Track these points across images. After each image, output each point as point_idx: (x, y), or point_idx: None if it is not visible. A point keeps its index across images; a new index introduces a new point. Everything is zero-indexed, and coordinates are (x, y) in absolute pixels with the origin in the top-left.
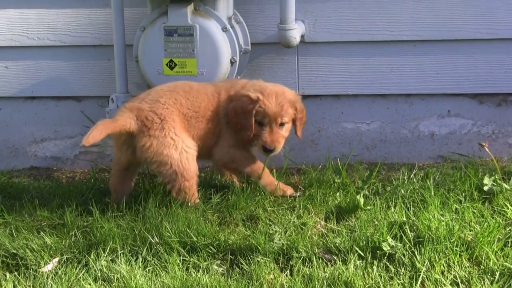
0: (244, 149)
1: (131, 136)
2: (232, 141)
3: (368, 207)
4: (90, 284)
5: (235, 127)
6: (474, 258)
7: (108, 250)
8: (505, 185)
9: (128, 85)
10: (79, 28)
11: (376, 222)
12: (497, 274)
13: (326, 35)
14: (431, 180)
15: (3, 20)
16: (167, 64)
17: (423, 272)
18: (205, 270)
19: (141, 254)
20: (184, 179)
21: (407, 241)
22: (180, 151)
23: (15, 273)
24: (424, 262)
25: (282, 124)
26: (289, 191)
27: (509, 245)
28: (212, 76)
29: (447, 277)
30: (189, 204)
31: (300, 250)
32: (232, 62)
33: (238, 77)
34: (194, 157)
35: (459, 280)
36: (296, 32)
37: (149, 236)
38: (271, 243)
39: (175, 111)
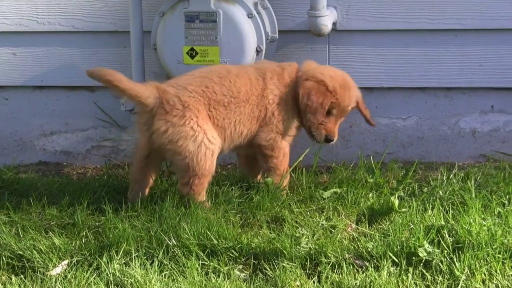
0: (287, 141)
1: (152, 117)
2: (282, 128)
3: (403, 210)
4: None
5: (304, 110)
6: None
7: (121, 252)
8: None
9: (146, 74)
10: (93, 12)
11: (412, 226)
12: None
13: (360, 23)
14: (472, 181)
15: (11, 3)
16: (187, 53)
17: (463, 281)
18: (226, 275)
19: (157, 257)
20: (195, 174)
21: (445, 247)
22: (199, 144)
23: (21, 276)
24: (464, 270)
25: (343, 117)
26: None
27: None
28: None
29: (488, 286)
30: (194, 201)
31: (329, 255)
32: (258, 51)
33: None
34: (215, 153)
35: None
36: (327, 19)
37: (165, 238)
38: (298, 247)
39: (203, 101)
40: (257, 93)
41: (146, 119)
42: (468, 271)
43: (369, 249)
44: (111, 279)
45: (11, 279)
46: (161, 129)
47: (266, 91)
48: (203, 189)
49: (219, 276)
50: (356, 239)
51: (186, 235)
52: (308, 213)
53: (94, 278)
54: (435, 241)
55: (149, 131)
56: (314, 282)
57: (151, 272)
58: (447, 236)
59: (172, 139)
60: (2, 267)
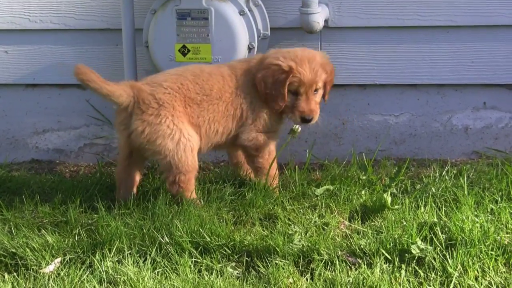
0: (271, 138)
1: (129, 116)
2: (261, 125)
3: (396, 207)
4: (94, 287)
5: (265, 99)
6: (511, 263)
7: (114, 250)
8: None
9: (138, 72)
10: (85, 10)
11: (405, 223)
12: None
13: (351, 20)
14: (465, 178)
15: (3, 1)
16: (179, 50)
17: (455, 278)
18: (218, 272)
19: (150, 254)
20: (179, 171)
21: (438, 244)
22: (177, 141)
23: (14, 274)
24: (457, 267)
25: (316, 91)
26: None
27: None
28: None
29: (481, 283)
30: (185, 199)
31: (322, 252)
32: (249, 48)
33: None
34: (194, 149)
35: (494, 287)
36: (319, 16)
37: (158, 236)
38: (291, 244)
39: (179, 97)
40: (230, 90)
41: (123, 118)
42: (461, 268)
43: (362, 246)
44: (104, 276)
45: (4, 276)
46: (138, 130)
47: (239, 89)
48: (191, 185)
49: (212, 274)
50: (349, 236)
51: (179, 233)
52: (301, 210)
53: (87, 276)
54: (428, 238)
55: (127, 130)
56: (307, 279)
57: (144, 270)
58: (439, 233)
59: (149, 138)
60: None
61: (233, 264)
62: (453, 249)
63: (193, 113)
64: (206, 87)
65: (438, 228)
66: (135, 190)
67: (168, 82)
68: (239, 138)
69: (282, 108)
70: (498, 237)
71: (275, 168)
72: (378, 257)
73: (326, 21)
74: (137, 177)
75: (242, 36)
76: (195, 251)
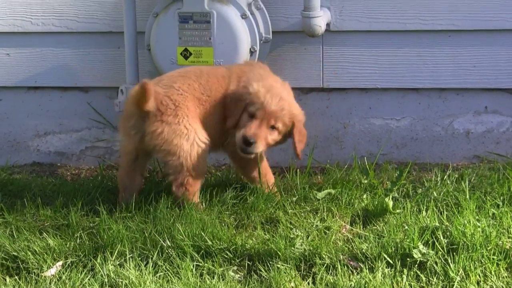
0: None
1: (141, 119)
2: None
3: (398, 211)
4: None
5: (226, 113)
6: None
7: (116, 253)
8: None
9: (139, 75)
10: (87, 13)
11: (406, 227)
12: None
13: (353, 24)
14: (466, 182)
15: (5, 4)
16: (181, 53)
17: (457, 282)
18: (220, 276)
19: (152, 258)
20: (189, 173)
21: (439, 248)
22: (192, 143)
23: (16, 277)
24: (458, 271)
25: (273, 128)
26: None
27: None
28: None
29: None
30: (188, 202)
31: (324, 256)
32: (251, 52)
33: None
34: (206, 153)
35: None
36: (321, 20)
37: (160, 239)
38: (292, 248)
39: (189, 97)
40: (223, 91)
41: (134, 122)
42: (462, 272)
43: (363, 250)
44: (106, 280)
45: (5, 280)
46: (157, 131)
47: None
48: (197, 189)
49: (213, 277)
50: (351, 240)
51: (181, 236)
52: (303, 214)
53: (89, 279)
54: (429, 242)
55: (138, 134)
56: (308, 283)
57: (145, 273)
58: (441, 237)
59: (167, 138)
60: None
61: (235, 268)
62: (455, 253)
63: (200, 113)
64: (207, 87)
65: (439, 232)
66: (137, 193)
67: (178, 83)
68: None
69: (233, 126)
70: (500, 242)
71: (269, 172)
72: (380, 261)
73: (328, 24)
74: (140, 181)
75: (244, 40)
76: (196, 255)
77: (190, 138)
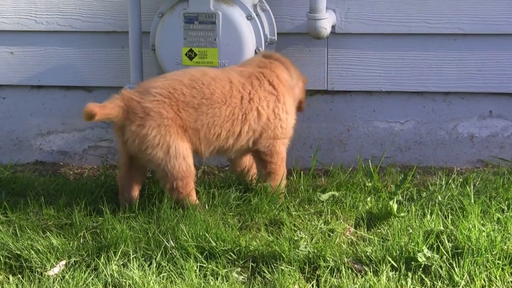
0: (285, 144)
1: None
2: (279, 133)
3: (402, 214)
4: None
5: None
6: None
7: (119, 253)
8: None
9: (143, 75)
10: (92, 12)
11: (411, 231)
12: None
13: (359, 26)
14: (471, 186)
15: (10, 2)
16: (186, 54)
17: (462, 286)
18: (224, 278)
19: (155, 258)
20: (175, 178)
21: (444, 252)
22: (166, 150)
23: (19, 276)
24: (463, 276)
25: None
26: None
27: None
28: None
29: None
30: (187, 203)
31: (328, 259)
32: (256, 53)
33: None
34: (186, 155)
35: None
36: (326, 22)
37: (164, 240)
38: (296, 250)
39: (168, 102)
40: (240, 96)
41: (119, 126)
42: (467, 276)
43: (368, 254)
44: (109, 280)
45: (8, 279)
46: (130, 140)
47: (255, 95)
48: (190, 188)
49: (217, 279)
50: (355, 243)
51: (184, 237)
52: (307, 216)
53: (92, 279)
54: (434, 246)
55: (122, 138)
56: (312, 286)
57: (149, 274)
58: (446, 241)
59: (140, 148)
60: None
61: (239, 269)
62: (459, 257)
63: (189, 117)
64: (206, 91)
65: (444, 236)
66: (138, 194)
67: (158, 89)
68: (256, 143)
69: None
70: (505, 246)
71: (285, 173)
72: (384, 265)
73: (333, 27)
74: (140, 181)
75: (249, 41)
76: (200, 256)
77: (163, 147)
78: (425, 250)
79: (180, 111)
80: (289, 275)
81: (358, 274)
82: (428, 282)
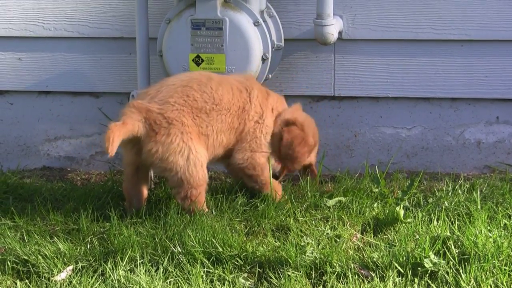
0: (264, 156)
1: (138, 136)
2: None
3: (409, 220)
4: None
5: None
6: None
7: (126, 258)
8: None
9: (151, 81)
10: (99, 18)
11: (417, 237)
12: None
13: (365, 32)
14: (478, 192)
15: (17, 8)
16: (193, 60)
17: None
18: (231, 283)
19: (162, 264)
20: (190, 186)
21: (451, 258)
22: (187, 158)
23: (26, 281)
24: (470, 282)
25: None
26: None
27: None
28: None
29: None
30: (197, 211)
31: (334, 264)
32: (263, 59)
33: (270, 75)
34: (203, 163)
35: None
36: (333, 28)
37: (170, 245)
38: (303, 256)
39: (186, 110)
40: (239, 105)
41: (132, 138)
42: (474, 282)
43: (374, 259)
44: (116, 285)
45: (16, 284)
46: (152, 151)
47: (249, 105)
48: (202, 197)
49: (224, 284)
50: (362, 249)
51: (191, 243)
52: (313, 222)
53: (99, 284)
54: (440, 252)
55: (134, 149)
56: None
57: (156, 279)
58: (453, 247)
59: (162, 157)
60: (7, 272)
61: (245, 275)
62: (466, 263)
63: (202, 122)
64: (216, 96)
65: (451, 242)
66: (144, 201)
67: (174, 98)
68: (234, 155)
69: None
70: None
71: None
72: (390, 270)
73: (340, 33)
74: (145, 190)
75: (256, 47)
76: (207, 261)
77: (184, 154)
78: (432, 256)
79: (195, 118)
80: (296, 281)
81: (365, 280)
82: None
